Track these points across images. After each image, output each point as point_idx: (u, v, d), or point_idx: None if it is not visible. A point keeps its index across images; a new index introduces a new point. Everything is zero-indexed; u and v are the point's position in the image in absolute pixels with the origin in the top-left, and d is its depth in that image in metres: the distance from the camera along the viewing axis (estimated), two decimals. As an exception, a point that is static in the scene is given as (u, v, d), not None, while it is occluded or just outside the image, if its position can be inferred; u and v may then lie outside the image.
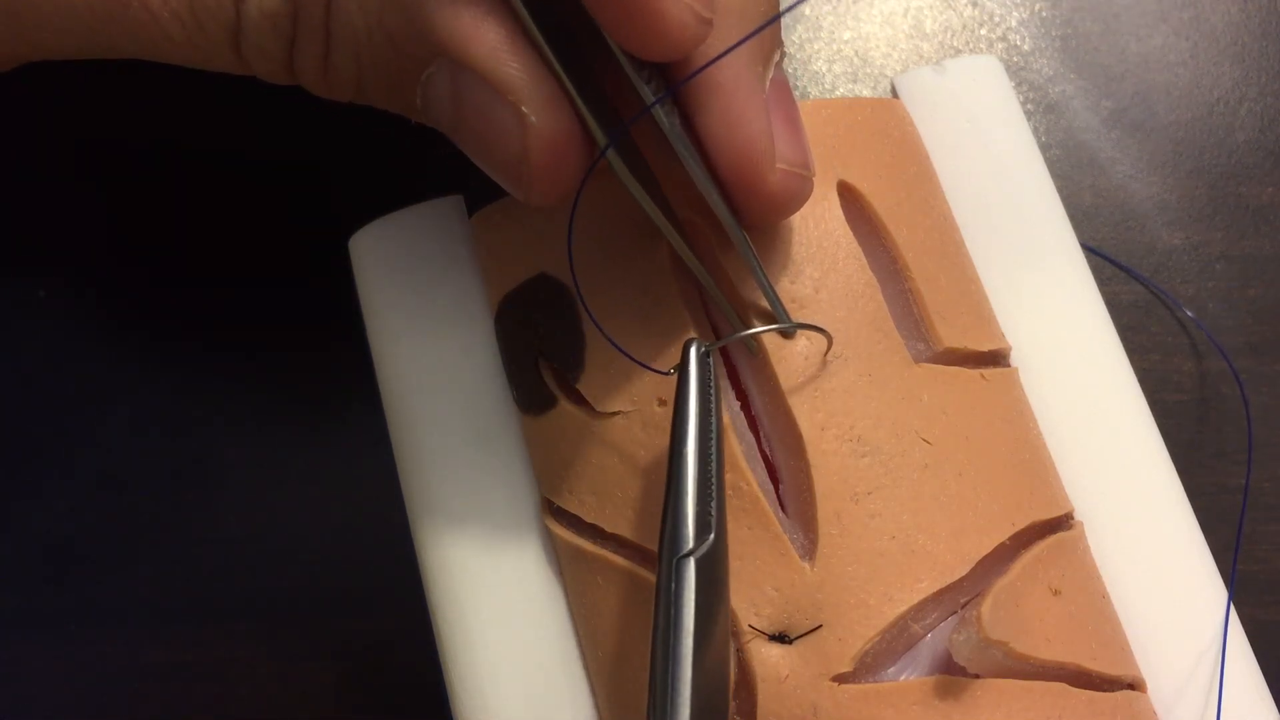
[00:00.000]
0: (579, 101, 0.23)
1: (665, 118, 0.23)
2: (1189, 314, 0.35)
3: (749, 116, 0.24)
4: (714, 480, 0.23)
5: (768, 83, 0.24)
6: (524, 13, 0.23)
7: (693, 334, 0.25)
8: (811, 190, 0.25)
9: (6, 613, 0.34)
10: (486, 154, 0.24)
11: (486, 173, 0.25)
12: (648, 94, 0.23)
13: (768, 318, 0.25)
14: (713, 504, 0.23)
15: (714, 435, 0.23)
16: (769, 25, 0.24)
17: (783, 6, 0.25)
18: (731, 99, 0.24)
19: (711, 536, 0.22)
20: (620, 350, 0.25)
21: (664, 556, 0.22)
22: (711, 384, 0.23)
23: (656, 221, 0.24)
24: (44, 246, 0.37)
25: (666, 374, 0.25)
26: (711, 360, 0.24)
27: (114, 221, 0.37)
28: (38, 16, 0.25)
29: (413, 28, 0.23)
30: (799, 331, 0.25)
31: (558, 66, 0.23)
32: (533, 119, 0.23)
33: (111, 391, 0.35)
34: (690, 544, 0.22)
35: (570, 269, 0.26)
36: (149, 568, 0.34)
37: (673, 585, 0.22)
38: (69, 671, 0.33)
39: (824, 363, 0.25)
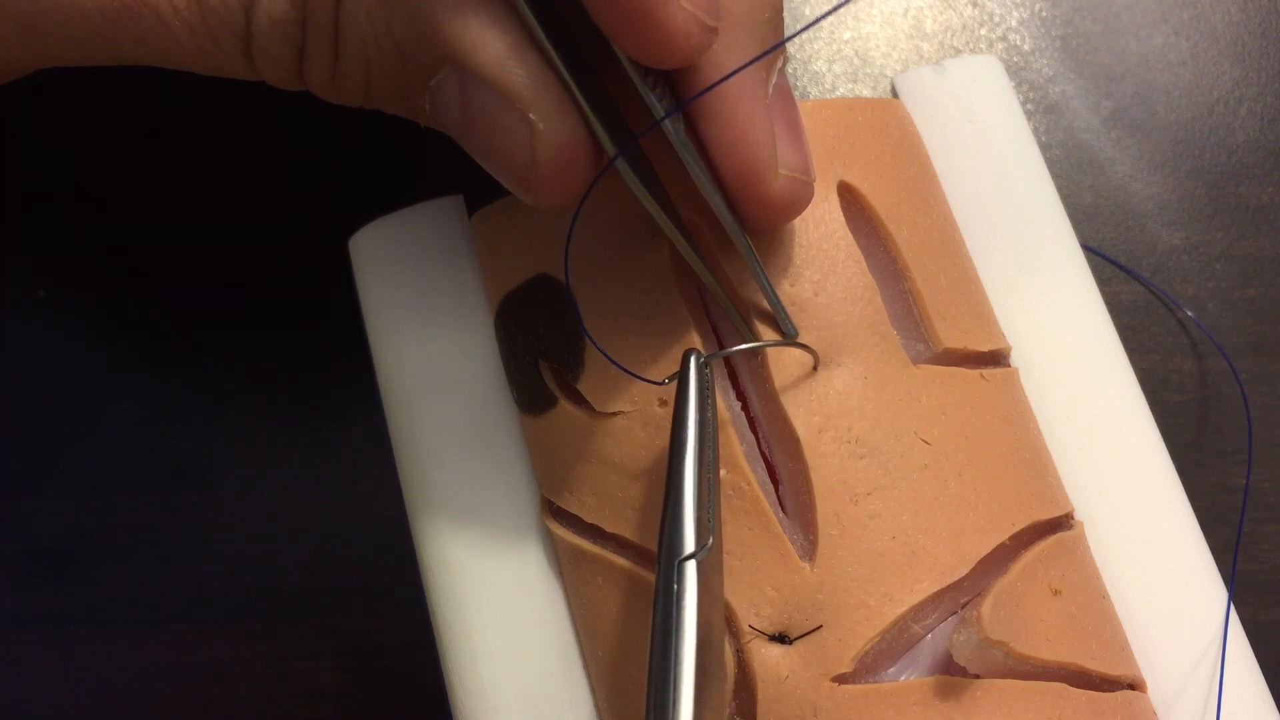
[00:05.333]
0: (586, 108, 0.23)
1: (670, 125, 0.23)
2: (1189, 314, 0.35)
3: (752, 124, 0.24)
4: (711, 486, 0.23)
5: (771, 89, 0.24)
6: (531, 19, 0.23)
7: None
8: (812, 195, 0.25)
9: (6, 613, 0.34)
10: (495, 160, 0.24)
11: (496, 178, 0.25)
12: (654, 102, 0.23)
13: (768, 319, 0.25)
14: (710, 510, 0.23)
15: (711, 442, 0.23)
16: (780, 46, 0.24)
17: (785, 10, 0.25)
18: (736, 107, 0.24)
19: (710, 541, 0.22)
20: (616, 364, 0.25)
21: (663, 559, 0.22)
22: (710, 393, 0.23)
23: (661, 224, 0.24)
24: (44, 246, 0.37)
25: (661, 384, 0.25)
26: (710, 370, 0.24)
27: (114, 221, 0.37)
28: (50, 26, 0.25)
29: (420, 35, 0.23)
30: (797, 335, 0.25)
31: (565, 73, 0.23)
32: (540, 125, 0.23)
33: (111, 391, 0.35)
34: (691, 547, 0.22)
35: (565, 278, 0.26)
36: (149, 568, 0.34)
37: (674, 587, 0.22)
38: (69, 671, 0.33)
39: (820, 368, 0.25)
